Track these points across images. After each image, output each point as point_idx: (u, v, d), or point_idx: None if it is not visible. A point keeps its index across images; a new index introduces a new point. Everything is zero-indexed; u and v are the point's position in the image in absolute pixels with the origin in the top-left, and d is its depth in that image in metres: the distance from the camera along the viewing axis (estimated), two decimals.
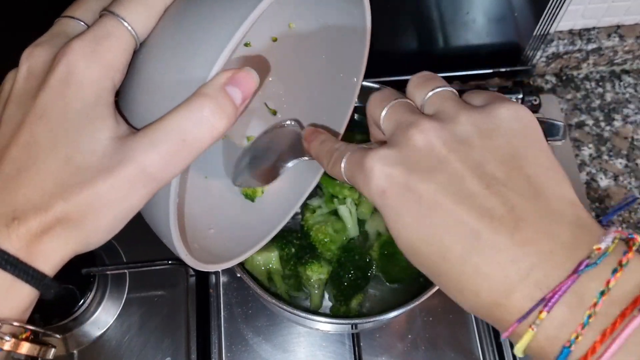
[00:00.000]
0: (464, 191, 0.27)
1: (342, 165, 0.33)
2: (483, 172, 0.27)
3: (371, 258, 0.60)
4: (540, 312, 0.24)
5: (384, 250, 0.59)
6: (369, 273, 0.59)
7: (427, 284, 0.53)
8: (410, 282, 0.59)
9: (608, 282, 0.24)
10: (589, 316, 0.24)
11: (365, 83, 0.63)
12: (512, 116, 0.29)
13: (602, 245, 0.25)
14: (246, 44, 0.49)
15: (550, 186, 0.27)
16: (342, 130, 0.51)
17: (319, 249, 0.59)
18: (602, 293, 0.24)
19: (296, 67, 0.51)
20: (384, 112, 0.32)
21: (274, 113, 0.53)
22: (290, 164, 0.44)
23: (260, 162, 0.47)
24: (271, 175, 0.46)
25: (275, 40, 0.49)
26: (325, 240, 0.58)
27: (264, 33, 0.49)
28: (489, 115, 0.29)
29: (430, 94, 0.31)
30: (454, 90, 0.32)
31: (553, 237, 0.26)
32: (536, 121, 0.30)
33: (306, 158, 0.42)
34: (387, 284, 0.60)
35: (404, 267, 0.58)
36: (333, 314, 0.59)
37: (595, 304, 0.24)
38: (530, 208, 0.26)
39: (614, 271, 0.24)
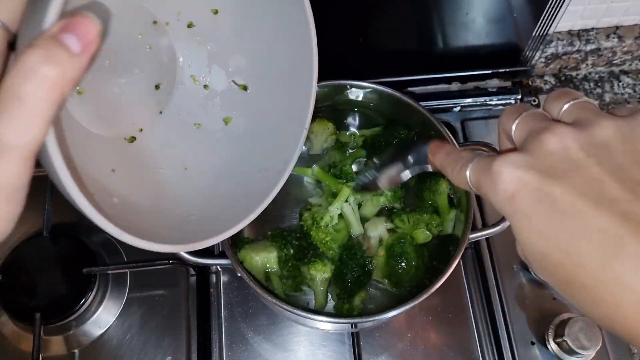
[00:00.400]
0: (604, 196, 0.26)
1: (468, 171, 0.32)
2: (626, 177, 0.26)
3: (371, 261, 0.60)
4: None
5: (391, 253, 0.58)
6: (371, 270, 0.59)
7: (428, 284, 0.53)
8: (416, 287, 0.58)
9: None
10: None
11: (367, 84, 0.63)
12: None
13: None
14: (189, 25, 0.48)
15: None
16: (311, 101, 0.50)
17: (321, 248, 0.59)
18: None
19: (251, 38, 0.50)
20: (516, 122, 0.31)
21: (245, 88, 0.52)
22: (413, 173, 0.47)
23: (386, 170, 0.51)
24: (394, 182, 0.51)
25: (216, 12, 0.49)
26: (327, 239, 0.58)
27: (201, 7, 0.48)
28: (633, 120, 0.28)
29: (568, 105, 0.30)
30: (594, 102, 0.31)
31: None
32: None
33: (429, 168, 0.43)
34: (392, 289, 0.60)
35: (413, 269, 0.58)
36: (337, 312, 0.59)
37: None
38: None
39: None
